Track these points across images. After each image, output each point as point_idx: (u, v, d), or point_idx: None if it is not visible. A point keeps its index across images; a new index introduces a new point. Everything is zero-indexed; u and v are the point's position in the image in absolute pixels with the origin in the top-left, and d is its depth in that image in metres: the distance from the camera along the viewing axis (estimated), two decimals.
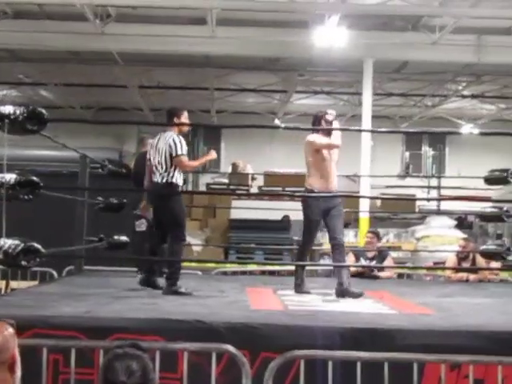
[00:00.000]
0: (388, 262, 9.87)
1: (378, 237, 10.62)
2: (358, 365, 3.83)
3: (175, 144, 6.92)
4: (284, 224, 15.60)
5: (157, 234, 7.21)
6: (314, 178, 7.31)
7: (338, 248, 7.20)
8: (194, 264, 11.18)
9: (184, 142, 7.02)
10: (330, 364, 3.81)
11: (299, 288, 7.37)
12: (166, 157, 6.94)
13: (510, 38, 14.28)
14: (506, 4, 12.33)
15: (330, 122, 7.32)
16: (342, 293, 7.03)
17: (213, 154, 7.46)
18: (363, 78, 14.70)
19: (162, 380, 4.30)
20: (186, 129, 7.39)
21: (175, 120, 7.07)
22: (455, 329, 4.96)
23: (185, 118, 7.17)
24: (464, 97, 19.87)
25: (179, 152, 6.92)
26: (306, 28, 13.56)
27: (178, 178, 7.01)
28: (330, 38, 12.74)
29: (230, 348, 4.02)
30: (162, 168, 6.96)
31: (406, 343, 4.65)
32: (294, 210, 13.23)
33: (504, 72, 16.66)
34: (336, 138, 7.26)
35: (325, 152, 7.27)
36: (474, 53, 14.23)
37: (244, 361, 3.93)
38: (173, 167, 6.94)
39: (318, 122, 7.37)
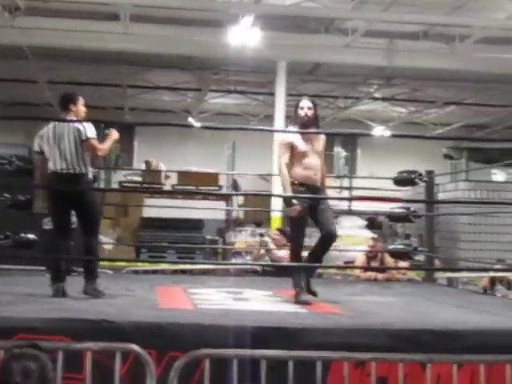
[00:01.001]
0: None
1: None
2: (263, 363, 3.84)
3: (84, 128, 6.41)
4: (197, 223, 15.55)
5: (65, 230, 6.64)
6: (295, 170, 6.65)
7: (330, 244, 6.79)
8: (104, 263, 11.02)
9: (92, 126, 6.51)
10: (236, 363, 3.81)
11: (301, 297, 6.62)
12: (75, 144, 6.42)
13: (419, 42, 14.62)
14: (416, 9, 12.61)
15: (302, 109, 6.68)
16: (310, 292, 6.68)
17: (115, 134, 6.78)
18: (276, 79, 14.83)
19: (67, 380, 4.22)
20: (82, 114, 6.64)
21: (71, 107, 6.56)
22: (362, 327, 5.04)
23: (81, 103, 6.65)
24: (375, 99, 20.25)
25: (89, 135, 6.43)
26: (221, 27, 13.57)
27: (88, 167, 6.51)
28: (244, 38, 12.80)
29: (135, 347, 3.97)
30: (71, 157, 6.43)
31: (315, 342, 4.69)
32: (208, 209, 13.31)
33: (414, 76, 17.06)
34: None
35: (302, 144, 6.61)
36: (385, 56, 14.53)
37: (148, 360, 3.89)
38: (83, 154, 6.44)
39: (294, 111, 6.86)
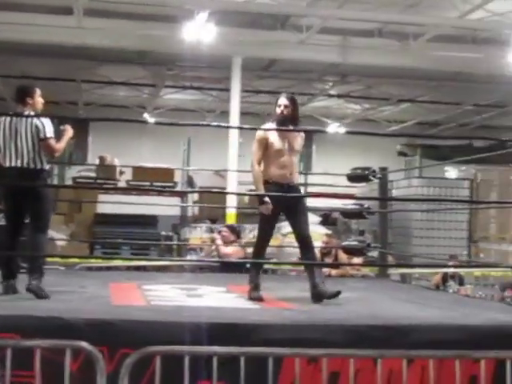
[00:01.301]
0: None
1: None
2: (215, 360, 3.84)
3: (43, 125, 6.24)
4: (152, 219, 15.48)
5: (18, 226, 6.49)
6: (270, 169, 6.59)
7: (309, 245, 6.76)
8: (57, 259, 10.91)
9: (50, 123, 6.34)
10: (187, 359, 3.80)
11: (254, 293, 6.56)
12: (32, 140, 6.23)
13: (374, 40, 14.72)
14: (370, 7, 12.70)
15: (279, 107, 6.60)
16: (320, 295, 6.46)
17: (70, 131, 6.60)
18: (231, 75, 14.82)
19: (17, 378, 4.18)
20: (40, 106, 6.47)
21: (28, 100, 6.35)
22: (314, 323, 5.07)
23: (38, 95, 6.46)
24: (330, 96, 20.36)
25: (48, 135, 6.25)
26: (176, 23, 13.51)
27: (45, 163, 6.35)
28: (199, 33, 12.76)
29: (85, 344, 3.93)
30: (27, 154, 6.23)
31: (267, 338, 4.71)
32: (163, 206, 13.24)
33: (368, 73, 17.17)
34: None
35: (278, 142, 6.56)
36: (340, 53, 14.61)
37: (99, 357, 3.85)
38: (40, 151, 6.26)
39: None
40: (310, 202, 18.00)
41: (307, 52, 14.41)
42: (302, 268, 11.73)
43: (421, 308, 6.40)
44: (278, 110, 6.58)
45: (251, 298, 6.47)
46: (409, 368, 4.40)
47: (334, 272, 10.11)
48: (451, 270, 11.83)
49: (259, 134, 6.64)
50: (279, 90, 19.44)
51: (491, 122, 22.96)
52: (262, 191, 6.58)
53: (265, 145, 6.55)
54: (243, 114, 15.46)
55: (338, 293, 6.41)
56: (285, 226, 16.03)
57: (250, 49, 14.52)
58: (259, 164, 6.59)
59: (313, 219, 16.10)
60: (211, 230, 11.15)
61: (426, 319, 5.46)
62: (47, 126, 6.28)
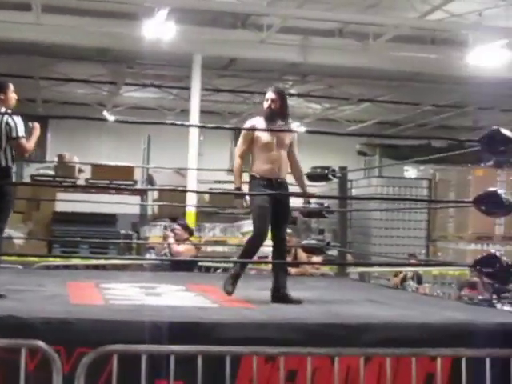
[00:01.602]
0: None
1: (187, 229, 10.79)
2: (172, 359, 3.82)
3: (15, 124, 6.06)
4: (111, 218, 15.38)
5: None
6: (258, 163, 6.46)
7: (284, 249, 6.75)
8: (14, 258, 10.78)
9: (21, 122, 6.15)
10: (144, 358, 3.78)
11: (229, 286, 6.51)
12: (1, 137, 6.06)
13: (334, 39, 14.78)
14: (331, 7, 12.75)
15: (266, 101, 6.46)
16: (281, 299, 6.41)
17: (38, 129, 6.36)
18: (192, 73, 14.78)
19: None
20: (13, 102, 6.30)
21: (1, 95, 6.17)
22: (273, 322, 5.07)
23: (12, 91, 6.27)
24: (291, 95, 20.37)
25: (20, 134, 6.07)
26: (135, 20, 13.43)
27: (10, 161, 6.16)
28: (159, 31, 12.70)
29: (41, 344, 3.89)
30: None
31: (225, 336, 4.69)
32: (123, 204, 13.15)
33: (328, 72, 17.25)
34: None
35: (266, 136, 6.39)
36: (300, 53, 14.65)
37: (55, 357, 3.82)
38: (8, 148, 6.09)
39: None
40: None
41: (267, 51, 14.43)
42: (263, 267, 11.78)
43: (379, 306, 6.43)
44: (266, 105, 6.44)
45: (223, 288, 6.45)
46: (366, 366, 4.43)
47: (293, 271, 10.11)
48: (410, 268, 11.93)
49: (245, 127, 6.54)
50: (239, 89, 19.57)
51: (449, 123, 23.22)
52: (238, 186, 6.51)
53: (250, 139, 6.42)
54: (203, 112, 15.42)
55: (299, 302, 6.30)
56: (244, 225, 16.09)
57: (210, 47, 14.49)
58: (242, 158, 6.49)
59: None
60: (164, 228, 11.10)
61: (384, 318, 5.49)
62: (19, 125, 6.12)
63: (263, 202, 6.39)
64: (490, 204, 4.92)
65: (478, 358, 4.40)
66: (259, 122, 6.48)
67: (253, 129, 6.40)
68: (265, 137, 6.40)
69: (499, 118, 19.47)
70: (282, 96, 6.53)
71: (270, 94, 6.46)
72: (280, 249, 6.70)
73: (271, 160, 6.42)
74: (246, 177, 6.63)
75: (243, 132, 6.51)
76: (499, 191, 4.92)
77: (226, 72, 17.72)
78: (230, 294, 6.42)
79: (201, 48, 14.48)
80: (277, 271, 6.63)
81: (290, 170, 6.77)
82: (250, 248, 6.67)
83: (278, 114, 6.45)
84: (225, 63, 17.04)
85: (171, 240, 10.65)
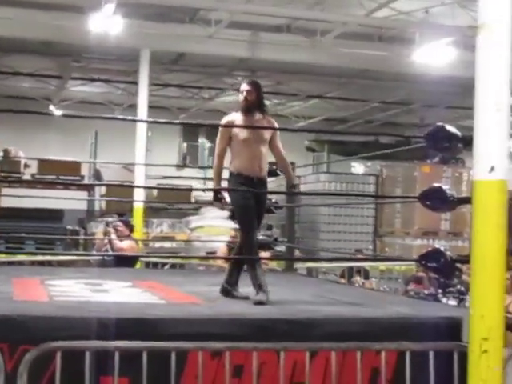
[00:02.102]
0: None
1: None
2: (117, 355, 3.79)
3: None
4: (57, 213, 15.22)
5: None
6: (237, 161, 6.19)
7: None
8: None
9: None
10: (89, 355, 3.74)
11: (229, 293, 6.33)
12: None
13: (282, 35, 14.80)
14: (279, 2, 12.77)
15: (242, 94, 6.25)
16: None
17: None
18: (139, 68, 14.66)
19: None
20: None
21: None
22: (219, 317, 5.05)
23: None
24: (239, 91, 20.39)
25: None
26: (82, 13, 13.26)
27: None
28: (106, 25, 12.56)
29: None
30: None
31: (172, 332, 4.66)
32: (69, 199, 13.00)
33: (277, 68, 17.28)
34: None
35: (245, 131, 6.15)
36: (249, 48, 14.64)
37: None
38: None
39: None
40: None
41: (216, 46, 14.38)
42: (211, 263, 11.75)
43: (326, 301, 6.46)
44: (241, 97, 6.20)
45: (255, 302, 5.93)
46: (313, 360, 4.46)
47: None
48: (356, 264, 12.04)
49: (222, 124, 6.28)
50: (188, 84, 19.49)
51: (397, 119, 23.47)
52: (217, 187, 6.25)
53: (228, 136, 6.13)
54: (152, 107, 15.31)
55: (247, 298, 6.17)
56: (192, 221, 16.06)
57: (158, 42, 14.39)
58: (222, 157, 6.19)
59: (222, 214, 16.15)
60: (106, 224, 11.01)
61: (331, 312, 5.52)
62: None
63: (245, 201, 6.11)
64: (434, 199, 4.96)
65: (423, 351, 4.46)
66: (237, 116, 6.24)
67: (216, 125, 6.34)
68: (243, 132, 6.13)
69: (445, 115, 19.74)
70: (257, 87, 6.29)
71: (245, 86, 6.23)
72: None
73: (251, 156, 6.13)
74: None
75: (221, 129, 6.24)
76: (443, 187, 4.96)
77: (175, 67, 17.64)
78: (245, 297, 6.15)
79: (149, 42, 14.37)
80: (234, 266, 6.48)
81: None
82: (250, 251, 6.29)
83: (255, 105, 6.21)
84: (173, 58, 16.96)
85: (113, 236, 10.60)
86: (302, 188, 16.34)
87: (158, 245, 14.75)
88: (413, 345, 4.48)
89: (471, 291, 4.28)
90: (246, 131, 6.13)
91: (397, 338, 4.68)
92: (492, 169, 4.15)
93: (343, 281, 11.88)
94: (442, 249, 4.92)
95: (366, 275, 12.47)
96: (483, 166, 4.20)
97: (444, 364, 4.51)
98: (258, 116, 6.25)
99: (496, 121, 4.18)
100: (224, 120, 6.32)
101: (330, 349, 4.37)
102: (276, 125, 6.40)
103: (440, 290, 10.33)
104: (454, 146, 4.90)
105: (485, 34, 4.20)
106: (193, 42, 14.35)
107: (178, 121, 21.32)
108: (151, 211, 15.66)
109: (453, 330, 4.79)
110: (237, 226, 12.54)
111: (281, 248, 11.09)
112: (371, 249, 17.03)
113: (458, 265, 4.92)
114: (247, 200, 6.09)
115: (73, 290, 6.62)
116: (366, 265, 12.48)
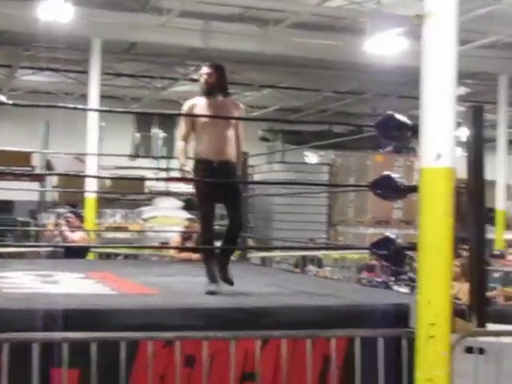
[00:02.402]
0: None
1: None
2: (66, 346, 3.76)
3: None
4: (7, 204, 15.03)
5: None
6: (199, 145, 6.04)
7: (236, 237, 6.21)
8: None
9: None
10: (37, 346, 3.70)
11: (209, 286, 5.96)
12: None
13: (235, 25, 14.75)
14: None
15: (202, 77, 6.15)
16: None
17: None
18: (91, 57, 14.50)
19: None
20: None
21: None
22: (171, 307, 5.03)
23: None
24: (193, 80, 20.29)
25: None
26: (32, 1, 13.04)
27: None
28: (56, 13, 12.37)
29: None
30: None
31: (125, 323, 4.63)
32: (20, 190, 12.84)
33: (230, 58, 17.20)
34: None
35: (206, 114, 6.02)
36: (201, 38, 14.56)
37: None
38: None
39: None
40: (173, 187, 18.03)
41: (168, 35, 14.27)
42: (164, 253, 11.71)
43: (279, 290, 6.47)
44: (202, 80, 6.10)
45: (207, 292, 5.85)
46: (264, 349, 4.47)
47: (194, 256, 10.08)
48: (309, 252, 12.10)
49: (184, 108, 6.14)
50: (140, 74, 19.33)
51: (350, 109, 23.59)
52: (184, 167, 6.01)
53: (190, 120, 6.01)
54: (103, 97, 15.15)
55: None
56: (145, 211, 15.99)
57: (109, 31, 14.22)
58: (184, 140, 6.07)
59: (175, 204, 16.12)
60: (58, 216, 10.92)
61: (283, 301, 5.54)
62: None
63: (203, 188, 6.02)
64: (384, 188, 5.00)
65: (372, 338, 4.50)
66: (199, 100, 6.12)
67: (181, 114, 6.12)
68: (203, 115, 6.00)
69: (397, 104, 19.88)
70: (217, 69, 6.17)
71: (205, 69, 6.14)
72: (232, 237, 6.20)
73: (212, 140, 5.95)
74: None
75: (183, 111, 6.16)
76: (393, 175, 5.00)
77: (127, 56, 17.48)
78: (216, 293, 5.85)
79: (100, 31, 14.20)
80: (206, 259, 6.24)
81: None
82: (202, 240, 6.27)
83: (216, 88, 6.08)
84: (125, 47, 16.80)
85: (64, 228, 10.52)
86: (256, 178, 16.36)
87: (111, 235, 14.65)
88: (362, 331, 4.52)
89: (418, 278, 4.33)
90: (207, 114, 6.01)
91: (348, 326, 4.72)
92: (438, 156, 4.19)
93: (297, 270, 11.92)
94: (392, 237, 4.96)
95: (319, 264, 12.55)
96: (430, 154, 4.24)
97: (393, 350, 4.57)
98: (220, 98, 6.12)
99: (442, 109, 4.22)
100: (186, 104, 6.20)
101: (281, 337, 4.39)
102: (241, 107, 6.28)
103: (392, 278, 10.45)
104: (403, 135, 4.93)
105: (431, 22, 4.23)
106: (145, 31, 14.22)
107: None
108: (104, 202, 15.53)
109: (402, 316, 4.85)
110: (190, 216, 12.55)
111: None
112: (325, 238, 17.13)
113: (410, 253, 4.97)
114: (205, 189, 5.99)
115: (22, 282, 6.54)
116: (320, 254, 12.56)
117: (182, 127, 6.16)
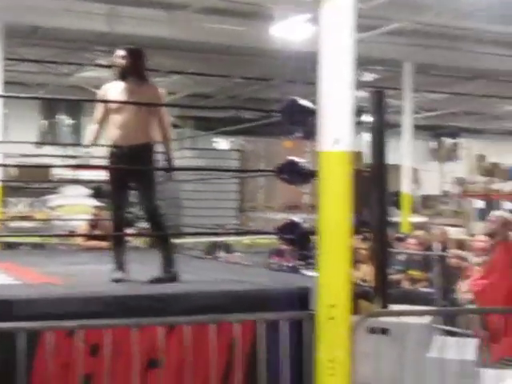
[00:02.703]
0: None
1: None
2: None
3: None
4: None
5: None
6: (110, 129, 5.98)
7: (157, 220, 6.07)
8: None
9: None
10: None
11: (114, 273, 5.95)
12: None
13: (141, 9, 14.57)
14: None
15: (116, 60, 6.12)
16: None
17: None
18: None
19: None
20: None
21: None
22: (74, 296, 4.97)
23: None
24: (101, 66, 19.97)
25: None
26: None
27: None
28: None
29: None
30: None
31: (27, 313, 4.55)
32: None
33: (137, 43, 16.89)
34: None
35: (116, 98, 5.97)
36: (107, 22, 14.31)
37: None
38: None
39: None
40: (81, 175, 17.75)
41: (73, 20, 13.95)
42: (71, 242, 11.54)
43: (188, 277, 6.45)
44: (116, 63, 6.06)
45: (112, 280, 5.84)
46: (169, 335, 4.46)
47: (103, 244, 9.98)
48: (219, 238, 12.14)
49: (99, 92, 6.16)
50: (45, 59, 18.89)
51: (259, 95, 23.63)
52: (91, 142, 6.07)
53: (104, 104, 5.98)
54: (7, 83, 14.75)
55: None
56: (52, 199, 15.70)
57: (11, 14, 13.78)
58: (98, 124, 6.03)
59: (83, 192, 15.87)
60: None
61: (190, 287, 5.55)
62: None
63: (112, 174, 6.01)
64: (289, 173, 5.05)
65: (277, 321, 4.54)
66: (113, 84, 6.10)
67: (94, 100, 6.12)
68: (113, 99, 5.94)
69: (304, 90, 19.99)
70: (132, 52, 6.14)
71: (119, 52, 6.10)
72: (154, 222, 6.11)
73: (121, 124, 5.87)
74: None
75: (98, 97, 6.17)
76: (298, 160, 5.05)
77: (31, 41, 17.05)
78: (119, 280, 5.83)
79: (1, 15, 13.81)
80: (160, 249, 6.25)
81: None
82: (113, 226, 6.26)
83: (129, 71, 6.01)
84: (28, 31, 16.38)
85: None
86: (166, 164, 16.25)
87: (14, 224, 14.33)
88: (266, 315, 4.56)
89: (318, 260, 4.38)
90: (116, 98, 5.95)
91: (254, 310, 4.75)
92: (336, 141, 4.23)
93: (208, 257, 11.95)
94: (298, 221, 5.01)
95: (228, 249, 12.60)
96: (327, 139, 4.28)
97: (297, 332, 4.63)
98: (135, 81, 6.05)
99: (339, 94, 4.25)
100: (102, 88, 6.17)
101: (185, 323, 4.38)
102: (160, 93, 6.21)
103: (301, 262, 10.56)
104: (307, 120, 4.96)
105: (327, 6, 4.26)
106: (48, 15, 13.87)
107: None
108: (9, 190, 15.17)
109: (303, 299, 4.91)
110: (99, 203, 12.42)
111: (144, 225, 10.97)
112: (236, 224, 17.19)
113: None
114: (114, 174, 5.98)
115: None
116: (231, 239, 12.61)
117: (96, 112, 6.12)
